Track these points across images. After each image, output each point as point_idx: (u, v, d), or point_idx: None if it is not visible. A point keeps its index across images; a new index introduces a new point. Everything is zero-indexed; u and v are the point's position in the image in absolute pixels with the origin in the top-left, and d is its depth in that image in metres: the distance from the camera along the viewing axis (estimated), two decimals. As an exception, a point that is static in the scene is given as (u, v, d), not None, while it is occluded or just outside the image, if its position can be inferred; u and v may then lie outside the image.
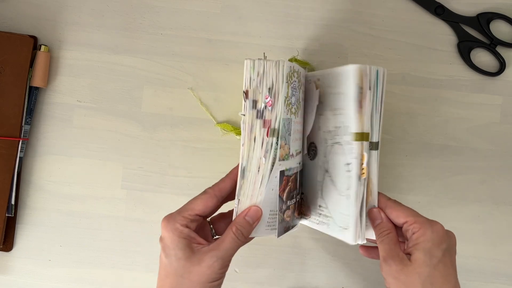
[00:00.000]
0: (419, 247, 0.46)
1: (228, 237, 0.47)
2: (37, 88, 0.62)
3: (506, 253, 0.63)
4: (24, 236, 0.64)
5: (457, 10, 0.63)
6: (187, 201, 0.63)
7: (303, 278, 0.63)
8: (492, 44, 0.63)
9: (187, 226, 0.47)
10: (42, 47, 0.62)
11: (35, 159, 0.63)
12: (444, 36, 0.64)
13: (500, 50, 0.63)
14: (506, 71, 0.63)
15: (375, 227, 0.49)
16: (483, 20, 0.63)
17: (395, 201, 0.49)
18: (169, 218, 0.48)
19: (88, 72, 0.64)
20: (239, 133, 0.62)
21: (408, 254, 0.46)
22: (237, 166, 0.49)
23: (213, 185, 0.50)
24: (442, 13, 0.63)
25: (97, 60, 0.64)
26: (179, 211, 0.48)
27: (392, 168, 0.63)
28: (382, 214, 0.49)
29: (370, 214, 0.50)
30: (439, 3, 0.63)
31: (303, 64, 0.62)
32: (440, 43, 0.64)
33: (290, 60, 0.62)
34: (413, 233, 0.46)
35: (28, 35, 0.61)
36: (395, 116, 0.63)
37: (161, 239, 0.48)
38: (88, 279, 0.63)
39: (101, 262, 0.64)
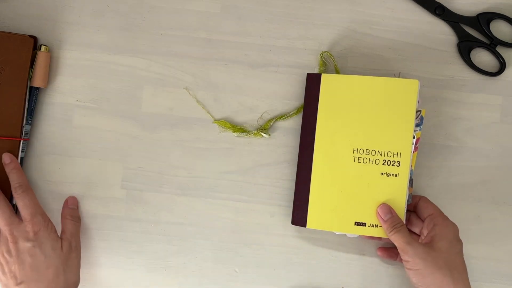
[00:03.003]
0: (443, 237, 0.55)
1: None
2: (37, 89, 0.62)
3: (506, 253, 0.63)
4: (24, 236, 0.64)
5: (457, 10, 0.63)
6: (186, 201, 0.64)
7: (303, 278, 0.63)
8: (492, 44, 0.63)
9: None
10: (42, 47, 0.62)
11: (35, 159, 0.63)
12: (444, 36, 0.64)
13: (500, 50, 0.63)
14: (506, 71, 0.63)
15: (386, 220, 0.56)
16: (483, 20, 0.63)
17: (424, 196, 0.60)
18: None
19: (88, 72, 0.64)
20: (236, 131, 0.62)
21: (427, 242, 0.55)
22: None
23: None
24: (442, 13, 0.63)
25: (97, 60, 0.64)
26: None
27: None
28: (392, 210, 0.56)
29: (382, 209, 0.56)
30: (439, 3, 0.63)
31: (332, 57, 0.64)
32: (440, 43, 0.64)
33: (325, 52, 0.62)
34: (435, 225, 0.56)
35: (28, 35, 0.61)
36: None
37: None
38: (89, 279, 0.63)
39: (101, 262, 0.64)
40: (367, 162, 0.58)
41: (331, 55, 0.62)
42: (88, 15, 0.64)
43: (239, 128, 0.63)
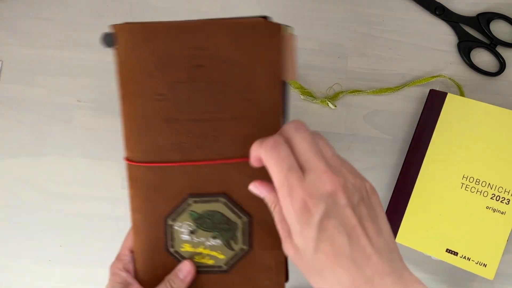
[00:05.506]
0: None
1: None
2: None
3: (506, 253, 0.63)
4: (24, 236, 0.64)
5: (457, 10, 0.63)
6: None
7: (303, 278, 0.63)
8: (492, 44, 0.63)
9: (125, 270, 0.44)
10: (287, 29, 0.44)
11: (35, 159, 0.63)
12: (444, 36, 0.64)
13: (500, 50, 0.63)
14: (506, 71, 0.63)
15: None
16: (483, 20, 0.63)
17: None
18: (111, 265, 0.45)
19: (88, 72, 0.64)
20: (304, 93, 0.62)
21: None
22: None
23: None
24: (442, 13, 0.63)
25: (97, 60, 0.64)
26: (117, 255, 0.46)
27: (392, 168, 0.63)
28: None
29: None
30: (439, 3, 0.63)
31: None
32: (440, 43, 0.64)
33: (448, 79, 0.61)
34: None
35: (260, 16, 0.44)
36: (395, 116, 0.63)
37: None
38: (88, 279, 0.63)
39: (101, 262, 0.64)
40: (475, 192, 0.56)
41: (454, 81, 0.62)
42: (88, 15, 0.64)
43: (308, 92, 0.62)
